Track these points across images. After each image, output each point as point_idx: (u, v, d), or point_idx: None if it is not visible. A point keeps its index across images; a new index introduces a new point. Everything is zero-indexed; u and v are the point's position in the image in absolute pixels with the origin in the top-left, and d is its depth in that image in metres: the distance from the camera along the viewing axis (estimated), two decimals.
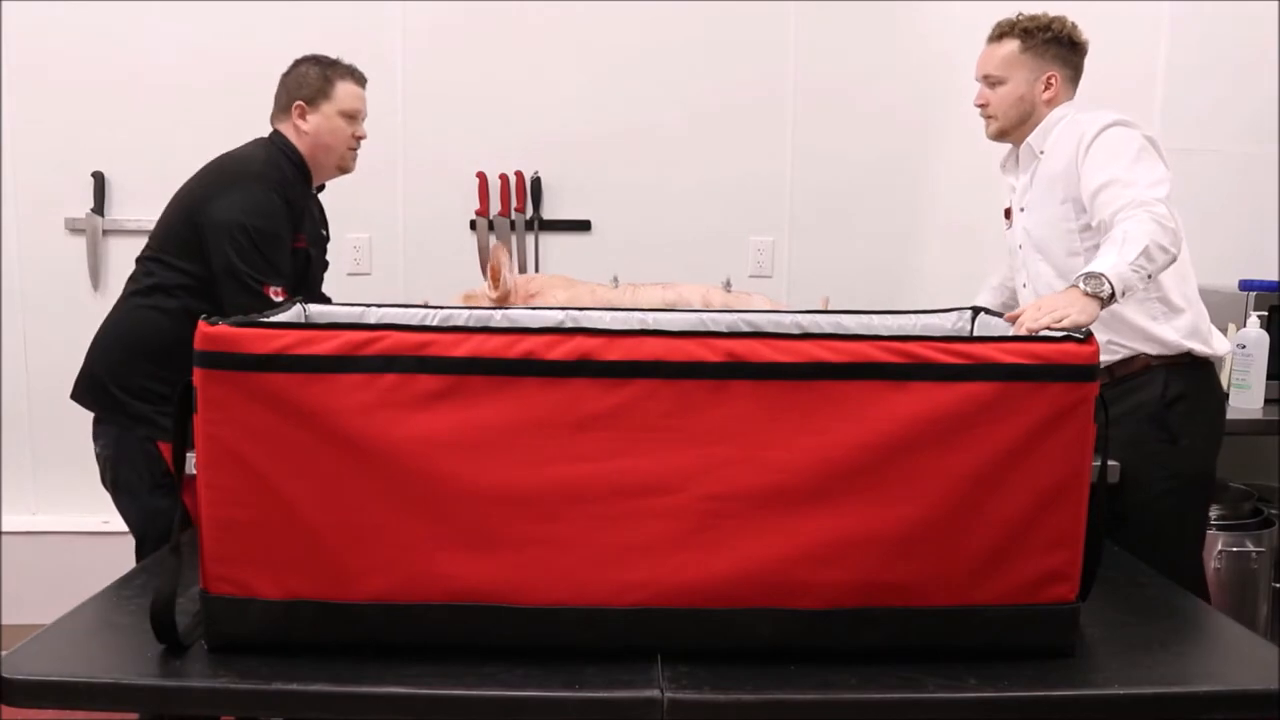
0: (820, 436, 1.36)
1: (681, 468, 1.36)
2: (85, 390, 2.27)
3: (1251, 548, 2.71)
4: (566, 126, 3.28)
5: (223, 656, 1.36)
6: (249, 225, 2.15)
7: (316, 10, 3.16)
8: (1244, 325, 2.73)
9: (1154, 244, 1.82)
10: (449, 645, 1.37)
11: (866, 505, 1.36)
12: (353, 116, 2.37)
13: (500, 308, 1.98)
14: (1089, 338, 1.38)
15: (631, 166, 3.30)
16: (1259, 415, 2.70)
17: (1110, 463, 1.54)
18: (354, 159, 2.42)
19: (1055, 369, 1.36)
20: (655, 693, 1.29)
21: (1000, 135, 2.26)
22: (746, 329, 1.87)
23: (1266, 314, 2.74)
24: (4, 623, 2.73)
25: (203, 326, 1.34)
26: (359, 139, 2.40)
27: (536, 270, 3.27)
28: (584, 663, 1.35)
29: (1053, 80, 2.18)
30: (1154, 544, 2.01)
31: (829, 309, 2.05)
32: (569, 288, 2.32)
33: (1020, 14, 2.21)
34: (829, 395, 1.35)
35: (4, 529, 3.20)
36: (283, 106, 2.35)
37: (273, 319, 1.54)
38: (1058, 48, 2.19)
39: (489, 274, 2.28)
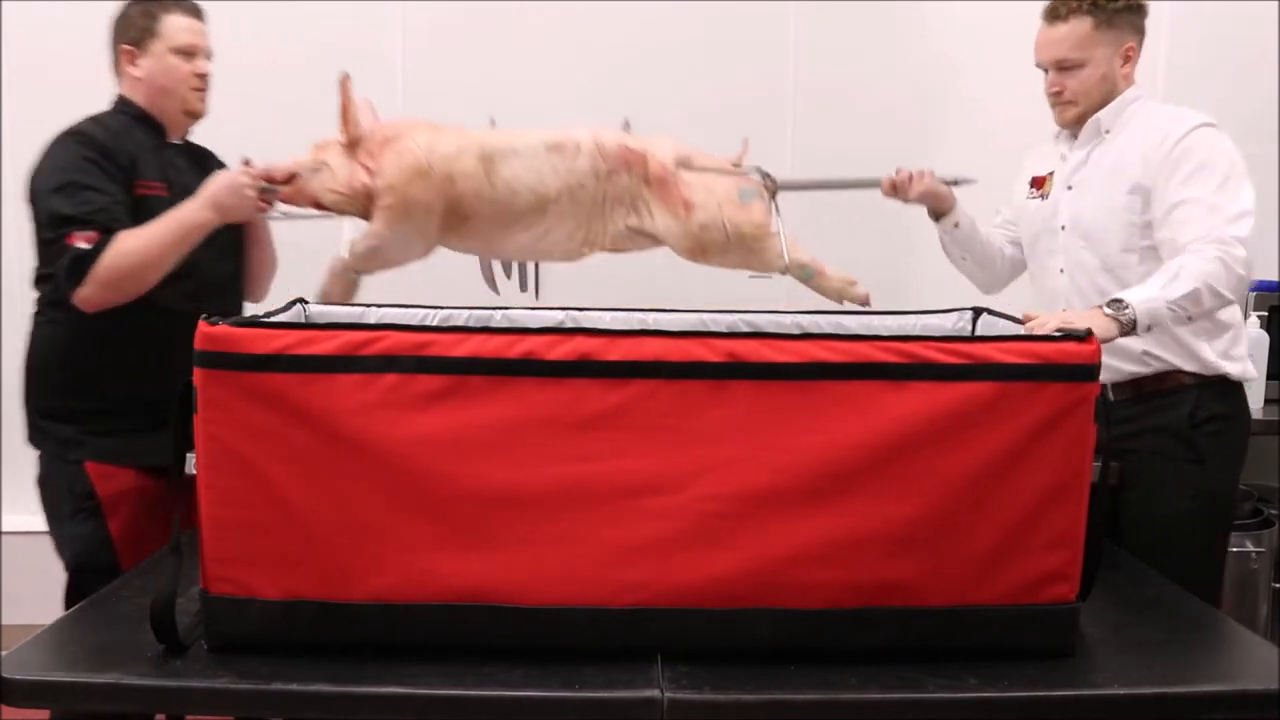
0: (820, 436, 1.36)
1: (681, 468, 1.36)
2: (30, 431, 2.14)
3: (1251, 548, 2.71)
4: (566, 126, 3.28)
5: (222, 656, 1.36)
6: (45, 187, 2.00)
7: (316, 10, 3.16)
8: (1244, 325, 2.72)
9: (1207, 288, 1.76)
10: (449, 645, 1.37)
11: (866, 505, 1.36)
12: (190, 53, 2.09)
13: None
14: (1089, 337, 1.38)
15: None
16: (1259, 415, 2.70)
17: (1110, 464, 1.54)
18: (201, 100, 2.14)
19: (1055, 369, 1.36)
20: (655, 693, 1.29)
21: (1080, 120, 2.10)
22: (746, 329, 1.87)
23: (1266, 314, 2.75)
24: (4, 623, 2.73)
25: (203, 326, 1.34)
26: (202, 77, 2.12)
27: (537, 279, 3.24)
28: (583, 663, 1.35)
29: (1131, 51, 2.05)
30: (1171, 563, 1.91)
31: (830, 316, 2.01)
32: (434, 131, 2.06)
33: None
34: (829, 395, 1.35)
35: (4, 529, 3.19)
36: (113, 57, 2.13)
37: (273, 319, 1.55)
38: (1129, 15, 2.03)
39: (339, 113, 2.00)
